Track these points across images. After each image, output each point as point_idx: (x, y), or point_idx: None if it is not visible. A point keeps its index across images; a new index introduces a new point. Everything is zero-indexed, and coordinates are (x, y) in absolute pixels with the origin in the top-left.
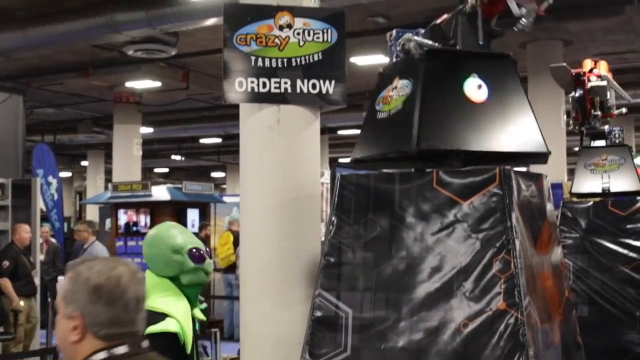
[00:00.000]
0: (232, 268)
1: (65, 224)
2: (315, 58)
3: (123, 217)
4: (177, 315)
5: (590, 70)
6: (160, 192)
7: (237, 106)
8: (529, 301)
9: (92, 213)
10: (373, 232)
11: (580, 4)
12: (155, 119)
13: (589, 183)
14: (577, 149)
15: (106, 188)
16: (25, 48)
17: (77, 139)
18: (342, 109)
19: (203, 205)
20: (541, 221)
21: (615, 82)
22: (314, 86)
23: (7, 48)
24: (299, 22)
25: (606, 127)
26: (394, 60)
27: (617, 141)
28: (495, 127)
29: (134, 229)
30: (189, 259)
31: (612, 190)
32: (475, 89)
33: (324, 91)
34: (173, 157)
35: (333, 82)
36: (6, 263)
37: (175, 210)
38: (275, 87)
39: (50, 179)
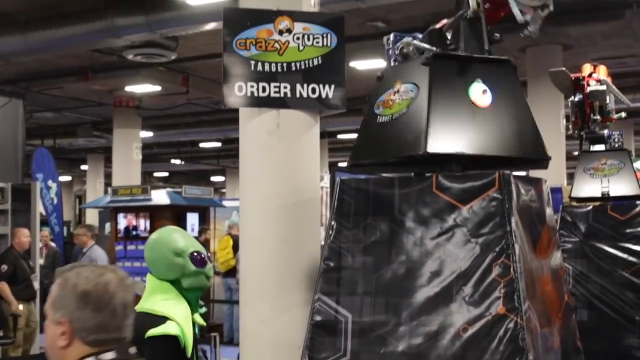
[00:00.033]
0: (231, 272)
1: (65, 228)
2: (315, 62)
3: (123, 221)
4: (178, 318)
5: (590, 75)
6: (160, 196)
7: (236, 110)
8: (529, 305)
9: (91, 217)
10: (373, 236)
11: (579, 8)
12: (155, 123)
13: (589, 187)
14: (576, 153)
15: (106, 192)
16: (25, 52)
17: (76, 143)
18: (342, 113)
19: (203, 209)
20: (541, 225)
21: (614, 87)
22: (313, 90)
23: (7, 52)
24: (298, 27)
25: (605, 132)
26: (392, 64)
27: (616, 145)
28: (499, 132)
29: (134, 233)
30: (191, 262)
31: (612, 194)
32: (480, 93)
33: (323, 95)
34: (173, 161)
35: (333, 86)
36: (4, 267)
37: (174, 215)
38: (275, 92)
39: (49, 183)
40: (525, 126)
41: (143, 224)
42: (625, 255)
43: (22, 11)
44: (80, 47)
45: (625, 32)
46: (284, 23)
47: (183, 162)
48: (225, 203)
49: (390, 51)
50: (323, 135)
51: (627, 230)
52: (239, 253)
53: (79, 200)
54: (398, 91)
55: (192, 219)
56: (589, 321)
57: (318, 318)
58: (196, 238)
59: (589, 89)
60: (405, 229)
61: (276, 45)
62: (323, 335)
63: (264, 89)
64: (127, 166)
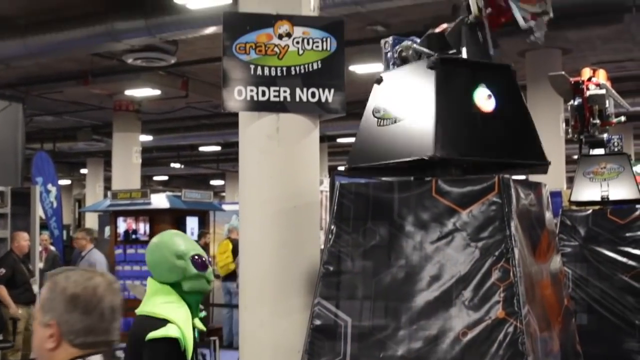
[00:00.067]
0: (231, 276)
1: (65, 232)
2: (315, 67)
3: (122, 225)
4: (178, 321)
5: (589, 79)
6: (160, 200)
7: (236, 114)
8: (528, 310)
9: (91, 221)
10: (372, 240)
11: (578, 12)
12: (155, 127)
13: (588, 191)
14: (576, 156)
15: (105, 196)
16: (25, 56)
17: (76, 146)
18: (342, 117)
19: (202, 213)
20: (540, 230)
21: (613, 91)
22: (313, 95)
23: (7, 56)
24: (298, 31)
25: (605, 136)
26: (391, 67)
27: (616, 149)
28: (502, 137)
29: (133, 236)
30: (192, 265)
31: (611, 198)
32: (485, 98)
33: (323, 100)
34: (172, 165)
35: (332, 90)
36: (2, 270)
37: (174, 218)
38: (275, 96)
39: (49, 186)
40: (526, 131)
41: (143, 227)
42: (624, 259)
43: (22, 15)
44: (80, 51)
45: (624, 36)
46: (283, 27)
47: (183, 166)
48: (225, 207)
49: (389, 54)
50: (323, 139)
51: (627, 234)
52: (238, 257)
53: (79, 204)
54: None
55: (192, 222)
56: (589, 325)
57: (317, 322)
58: (196, 242)
59: (588, 93)
60: (405, 233)
61: (276, 49)
62: (322, 339)
63: (263, 93)
64: (126, 170)
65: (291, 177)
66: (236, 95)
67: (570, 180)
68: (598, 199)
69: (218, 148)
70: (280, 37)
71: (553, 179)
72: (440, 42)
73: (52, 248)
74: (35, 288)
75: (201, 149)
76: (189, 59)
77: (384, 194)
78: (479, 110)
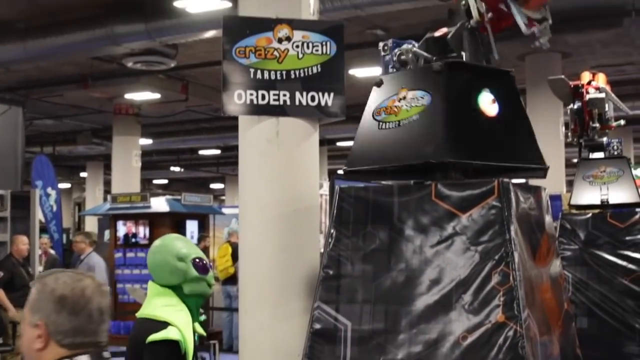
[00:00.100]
0: (230, 280)
1: (64, 235)
2: (314, 70)
3: (122, 229)
4: (179, 324)
5: (589, 83)
6: (159, 204)
7: (236, 118)
8: (528, 313)
9: (91, 224)
10: (372, 244)
11: (578, 16)
12: (155, 131)
13: (588, 195)
14: (575, 160)
15: (105, 199)
16: (25, 60)
17: (76, 150)
18: (341, 121)
19: (202, 217)
20: (540, 233)
21: (613, 94)
22: (312, 98)
23: (6, 60)
24: (298, 35)
25: (605, 139)
26: (390, 70)
27: (615, 153)
28: (504, 141)
29: (133, 240)
30: (193, 268)
31: (611, 202)
32: (489, 103)
33: (322, 103)
34: (172, 168)
35: (332, 94)
36: (0, 274)
37: (174, 222)
38: (274, 100)
39: (49, 190)
40: (525, 136)
41: (142, 231)
42: (624, 263)
43: (22, 19)
44: (80, 54)
45: (624, 40)
46: (283, 31)
47: (182, 170)
48: (225, 210)
49: (387, 57)
50: (322, 142)
51: (627, 238)
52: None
53: (79, 208)
54: (404, 98)
55: (192, 226)
56: (589, 329)
57: (317, 326)
58: (196, 245)
59: (587, 97)
60: (405, 237)
61: (275, 53)
62: (322, 343)
63: (263, 97)
64: (126, 173)
65: (291, 181)
66: (236, 99)
67: (570, 184)
68: (598, 202)
69: (218, 151)
70: (280, 41)
71: (553, 183)
72: (438, 45)
73: (52, 252)
74: None
75: (201, 152)
76: (188, 62)
77: (383, 198)
78: (484, 114)
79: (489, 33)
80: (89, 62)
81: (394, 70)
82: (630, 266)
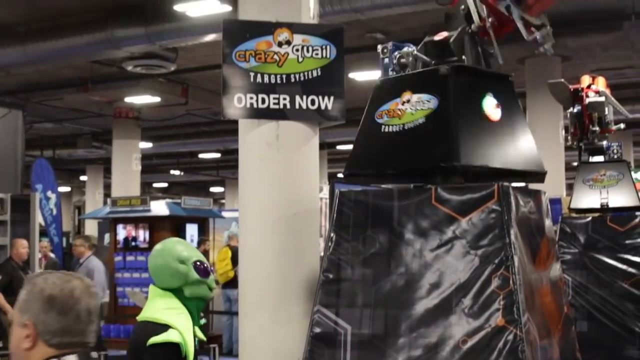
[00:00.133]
0: (230, 283)
1: (64, 239)
2: (314, 74)
3: (122, 232)
4: (180, 327)
5: (588, 86)
6: (159, 207)
7: (236, 121)
8: (528, 317)
9: (91, 228)
10: (372, 248)
11: (578, 20)
12: (155, 134)
13: (588, 198)
14: (575, 164)
15: (105, 203)
16: (25, 63)
17: (76, 153)
18: (341, 124)
19: (202, 220)
20: (540, 237)
21: (613, 98)
22: (312, 102)
23: (6, 63)
24: (297, 39)
25: (604, 143)
26: (390, 73)
27: (615, 157)
28: (505, 145)
29: (133, 244)
30: (194, 271)
31: (611, 205)
32: (493, 107)
33: (322, 107)
34: (172, 172)
35: (332, 98)
36: None
37: (174, 225)
38: (274, 103)
39: (49, 193)
40: (525, 140)
41: (142, 234)
42: (624, 267)
43: (22, 22)
44: (80, 58)
45: (624, 43)
46: (283, 35)
47: (182, 173)
48: (225, 214)
49: (386, 60)
50: (322, 146)
51: (627, 242)
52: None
53: (78, 211)
54: (408, 101)
55: (192, 229)
56: (589, 332)
57: (317, 330)
58: (196, 249)
59: (587, 101)
60: (405, 241)
61: (275, 56)
62: (322, 347)
63: (263, 101)
64: (126, 177)
65: (291, 185)
66: (236, 103)
67: (569, 188)
68: (598, 206)
69: (218, 155)
70: (280, 44)
71: (553, 186)
72: (436, 49)
73: (52, 255)
74: None
75: (201, 156)
76: (188, 66)
77: (383, 202)
78: (488, 118)
79: (491, 38)
80: (89, 65)
81: (394, 73)
82: (630, 270)
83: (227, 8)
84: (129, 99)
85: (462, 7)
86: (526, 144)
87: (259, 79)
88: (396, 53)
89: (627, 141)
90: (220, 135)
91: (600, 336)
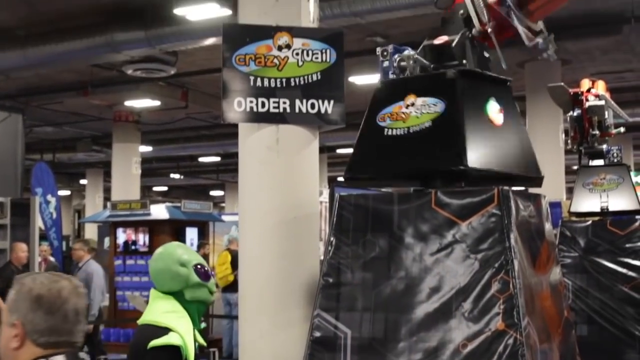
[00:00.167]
0: (230, 287)
1: (64, 243)
2: (314, 78)
3: (122, 236)
4: (180, 330)
5: (588, 90)
6: (159, 211)
7: (236, 125)
8: (528, 321)
9: (90, 232)
10: (372, 252)
11: (578, 23)
12: (154, 138)
13: (588, 202)
14: (575, 167)
15: (105, 207)
16: (25, 67)
17: (76, 157)
18: (341, 128)
19: (202, 224)
20: (540, 241)
21: (613, 102)
22: (312, 106)
23: (6, 67)
24: (297, 43)
25: (604, 146)
26: (391, 76)
27: (615, 160)
28: (506, 150)
29: (133, 247)
30: (194, 274)
31: (611, 209)
32: (497, 111)
33: (322, 111)
34: (172, 175)
35: (332, 101)
36: None
37: (174, 229)
38: (274, 107)
39: (49, 197)
40: (524, 145)
41: (142, 238)
42: (624, 270)
43: (22, 26)
44: (79, 62)
45: (623, 47)
46: (283, 39)
47: (182, 177)
48: (225, 218)
49: (386, 63)
50: (322, 149)
51: (627, 245)
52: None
53: (78, 215)
54: (413, 104)
55: (191, 233)
56: (589, 336)
57: (317, 334)
58: (197, 253)
59: (587, 104)
60: (405, 245)
61: (275, 60)
62: (322, 351)
63: (263, 105)
64: (126, 181)
65: (291, 188)
66: (236, 107)
67: (569, 191)
68: (598, 209)
69: (218, 159)
70: (280, 48)
71: (552, 190)
72: (434, 53)
73: (52, 259)
74: None
75: (201, 159)
76: (188, 69)
77: (383, 206)
78: (492, 123)
79: (493, 42)
80: (88, 69)
81: (394, 76)
82: (630, 273)
83: (227, 12)
84: (128, 103)
85: (462, 11)
86: (526, 148)
87: (258, 83)
88: (396, 56)
89: (627, 145)
90: (220, 138)
91: (601, 340)
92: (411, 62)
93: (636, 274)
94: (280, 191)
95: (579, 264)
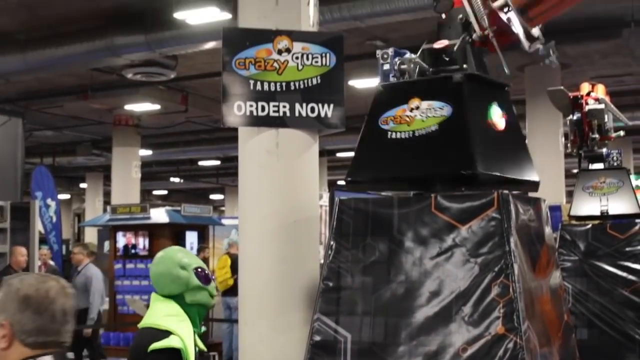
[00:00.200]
0: (230, 291)
1: (64, 247)
2: (314, 82)
3: (122, 240)
4: (181, 334)
5: (588, 94)
6: (159, 215)
7: (236, 129)
8: (528, 325)
9: (90, 235)
10: (372, 256)
11: (577, 27)
12: (154, 142)
13: (588, 206)
14: (575, 171)
15: (105, 210)
16: (25, 71)
17: (76, 161)
18: (341, 132)
19: (202, 228)
20: (540, 245)
21: (612, 105)
22: (312, 110)
23: (6, 71)
24: (297, 47)
25: (604, 150)
26: (392, 79)
27: (615, 164)
28: (506, 154)
29: (133, 251)
30: (195, 277)
31: (611, 212)
32: (499, 116)
33: (322, 115)
34: (172, 179)
35: (332, 105)
36: None
37: (173, 233)
38: (274, 111)
39: (49, 201)
40: (523, 149)
41: (142, 242)
42: (624, 274)
43: (22, 30)
44: (79, 66)
45: (623, 50)
46: (283, 43)
47: (182, 181)
48: (225, 221)
49: (387, 66)
50: (322, 153)
51: (627, 249)
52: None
53: (78, 219)
54: (417, 107)
55: (191, 237)
56: (589, 340)
57: (317, 338)
58: (197, 257)
59: (587, 108)
60: (405, 249)
61: (275, 64)
62: (322, 355)
63: (263, 108)
64: (126, 184)
65: (291, 192)
66: (236, 111)
67: (569, 195)
68: (597, 213)
69: (217, 162)
70: (280, 52)
71: (552, 194)
72: (433, 57)
73: (52, 263)
74: None
75: (201, 163)
76: (188, 73)
77: (383, 210)
78: (495, 127)
79: (495, 47)
80: (88, 73)
81: (395, 79)
82: (631, 277)
83: (227, 16)
84: (128, 107)
85: (460, 16)
86: (524, 153)
87: (258, 87)
88: (397, 59)
89: (626, 148)
90: (220, 142)
91: (601, 344)
92: (412, 65)
93: (636, 278)
94: (280, 195)
95: (579, 268)
